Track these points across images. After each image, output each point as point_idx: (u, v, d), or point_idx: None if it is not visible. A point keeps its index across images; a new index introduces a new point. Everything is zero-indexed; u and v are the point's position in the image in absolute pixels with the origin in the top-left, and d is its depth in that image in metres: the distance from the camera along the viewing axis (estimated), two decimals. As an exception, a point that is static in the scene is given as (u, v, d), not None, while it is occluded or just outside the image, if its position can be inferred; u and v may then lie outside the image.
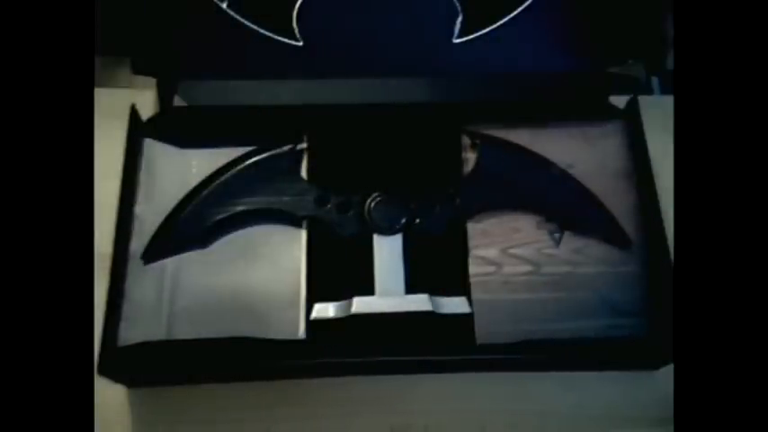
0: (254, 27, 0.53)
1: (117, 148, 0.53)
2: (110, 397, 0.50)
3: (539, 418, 0.51)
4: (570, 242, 0.54)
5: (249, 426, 0.50)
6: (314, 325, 0.50)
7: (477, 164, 0.55)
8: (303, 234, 0.53)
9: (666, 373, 0.50)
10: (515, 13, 0.54)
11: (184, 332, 0.49)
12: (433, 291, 0.50)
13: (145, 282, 0.51)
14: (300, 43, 0.53)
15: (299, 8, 0.53)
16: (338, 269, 0.51)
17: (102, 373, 0.46)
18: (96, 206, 0.44)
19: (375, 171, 0.54)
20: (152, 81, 0.56)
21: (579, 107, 0.58)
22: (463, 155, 0.55)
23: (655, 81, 0.61)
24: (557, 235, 0.54)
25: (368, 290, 0.50)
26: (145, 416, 0.50)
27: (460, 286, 0.51)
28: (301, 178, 0.54)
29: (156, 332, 0.49)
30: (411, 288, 0.50)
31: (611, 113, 0.57)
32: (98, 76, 0.56)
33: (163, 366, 0.49)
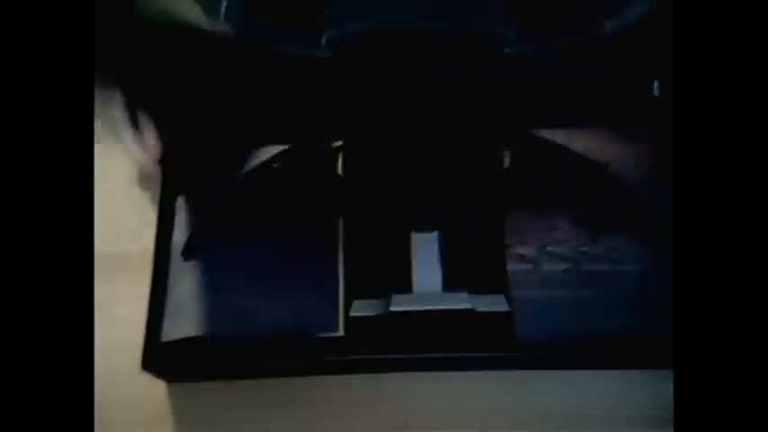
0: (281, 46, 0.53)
1: (117, 147, 0.53)
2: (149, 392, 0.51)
3: (539, 418, 0.51)
4: (608, 240, 0.53)
5: (248, 426, 0.50)
6: (352, 322, 0.49)
7: (513, 161, 0.54)
8: (340, 232, 0.53)
9: (667, 373, 0.49)
10: None
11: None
12: (471, 288, 0.50)
13: (186, 278, 0.51)
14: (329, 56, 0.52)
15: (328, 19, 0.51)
16: (375, 266, 0.51)
17: (145, 368, 0.47)
18: (96, 207, 0.44)
19: (412, 169, 0.53)
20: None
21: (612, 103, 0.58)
22: (499, 152, 0.55)
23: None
24: (595, 233, 0.53)
25: (405, 287, 0.50)
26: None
27: (498, 284, 0.51)
28: (337, 176, 0.54)
29: (197, 328, 0.49)
30: (448, 286, 0.50)
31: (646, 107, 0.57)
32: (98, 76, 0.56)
33: (204, 362, 0.50)
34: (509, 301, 0.50)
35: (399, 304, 0.49)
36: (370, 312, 0.49)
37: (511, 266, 0.52)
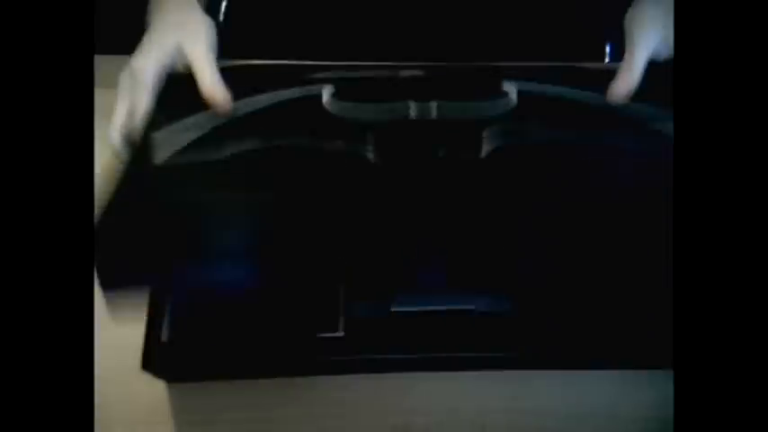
0: None
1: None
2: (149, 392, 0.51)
3: (539, 417, 0.51)
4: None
5: (248, 426, 0.50)
6: (352, 322, 0.50)
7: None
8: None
9: (666, 373, 0.50)
10: None
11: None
12: (474, 289, 0.50)
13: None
14: None
15: None
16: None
17: (145, 368, 0.47)
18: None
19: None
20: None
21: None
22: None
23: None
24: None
25: (407, 288, 0.50)
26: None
27: (499, 284, 0.51)
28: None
29: (196, 328, 0.50)
30: (450, 286, 0.50)
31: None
32: (98, 77, 0.57)
33: (204, 361, 0.50)
34: (510, 301, 0.50)
35: (400, 304, 0.50)
36: (370, 312, 0.50)
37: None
